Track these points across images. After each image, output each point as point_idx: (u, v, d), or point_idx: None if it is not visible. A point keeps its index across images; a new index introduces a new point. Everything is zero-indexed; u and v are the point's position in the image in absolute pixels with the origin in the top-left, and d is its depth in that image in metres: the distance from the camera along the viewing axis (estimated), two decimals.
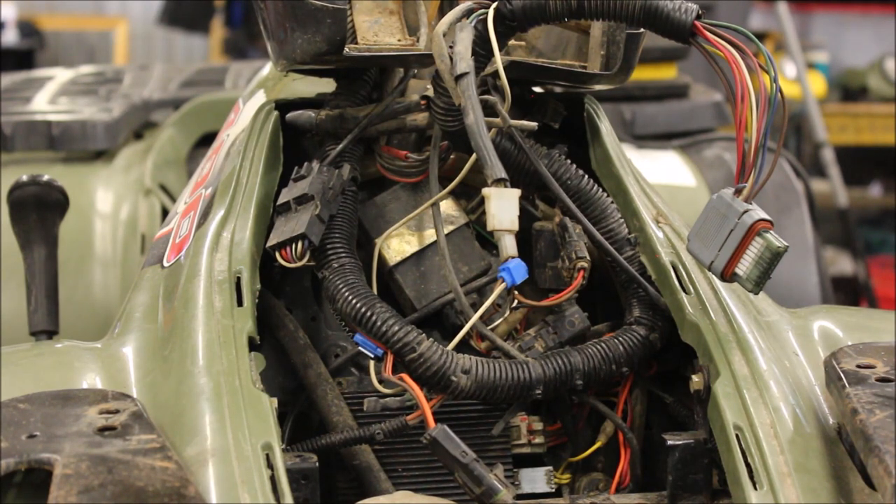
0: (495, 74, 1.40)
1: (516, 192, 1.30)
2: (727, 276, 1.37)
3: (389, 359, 1.41)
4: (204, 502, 1.15)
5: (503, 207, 1.28)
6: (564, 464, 1.59)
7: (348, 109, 1.60)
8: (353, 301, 1.43)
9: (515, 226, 1.29)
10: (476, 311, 1.45)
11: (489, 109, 1.41)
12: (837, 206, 5.20)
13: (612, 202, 1.60)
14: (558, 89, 1.75)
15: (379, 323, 1.41)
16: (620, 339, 1.50)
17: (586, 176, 1.60)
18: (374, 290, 1.50)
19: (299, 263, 1.46)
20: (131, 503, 1.11)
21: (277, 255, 1.46)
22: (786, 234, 1.41)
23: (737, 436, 1.32)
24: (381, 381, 1.44)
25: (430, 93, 1.54)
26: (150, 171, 2.69)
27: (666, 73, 3.24)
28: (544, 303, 1.55)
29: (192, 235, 1.58)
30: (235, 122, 1.79)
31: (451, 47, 1.39)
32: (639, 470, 1.55)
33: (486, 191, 1.30)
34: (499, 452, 1.53)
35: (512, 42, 1.63)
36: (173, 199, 2.59)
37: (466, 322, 1.45)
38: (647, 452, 1.56)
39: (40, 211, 1.79)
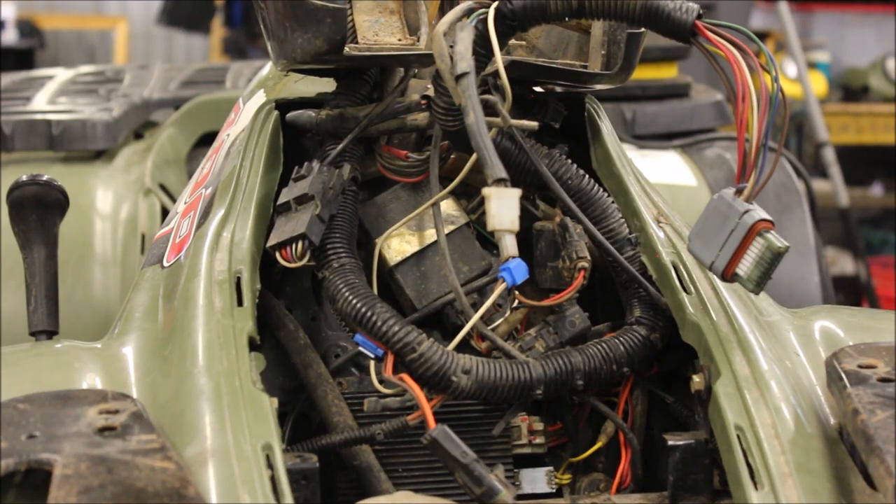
0: (496, 74, 1.39)
1: (517, 192, 1.30)
2: (728, 276, 1.37)
3: (390, 359, 1.41)
4: (204, 503, 1.15)
5: (504, 207, 1.28)
6: (565, 464, 1.59)
7: (348, 109, 1.60)
8: (354, 301, 1.43)
9: (516, 226, 1.29)
10: (476, 311, 1.45)
11: (489, 109, 1.40)
12: (838, 205, 5.20)
13: (612, 202, 1.60)
14: (559, 89, 1.75)
15: (379, 323, 1.41)
16: (621, 339, 1.50)
17: (587, 176, 1.60)
18: (375, 290, 1.50)
19: (299, 263, 1.45)
20: (131, 503, 1.11)
21: (278, 255, 1.46)
22: (787, 234, 1.41)
23: (738, 436, 1.32)
24: (381, 382, 1.44)
25: (431, 92, 1.54)
26: (150, 171, 2.68)
27: (667, 73, 3.24)
28: (545, 303, 1.55)
29: (192, 235, 1.58)
30: (236, 122, 1.79)
31: (451, 47, 1.38)
32: (639, 470, 1.55)
33: (486, 190, 1.29)
34: (499, 453, 1.53)
35: (512, 41, 1.63)
36: (173, 199, 2.59)
37: (467, 322, 1.45)
38: (648, 453, 1.56)
39: (40, 211, 1.78)
